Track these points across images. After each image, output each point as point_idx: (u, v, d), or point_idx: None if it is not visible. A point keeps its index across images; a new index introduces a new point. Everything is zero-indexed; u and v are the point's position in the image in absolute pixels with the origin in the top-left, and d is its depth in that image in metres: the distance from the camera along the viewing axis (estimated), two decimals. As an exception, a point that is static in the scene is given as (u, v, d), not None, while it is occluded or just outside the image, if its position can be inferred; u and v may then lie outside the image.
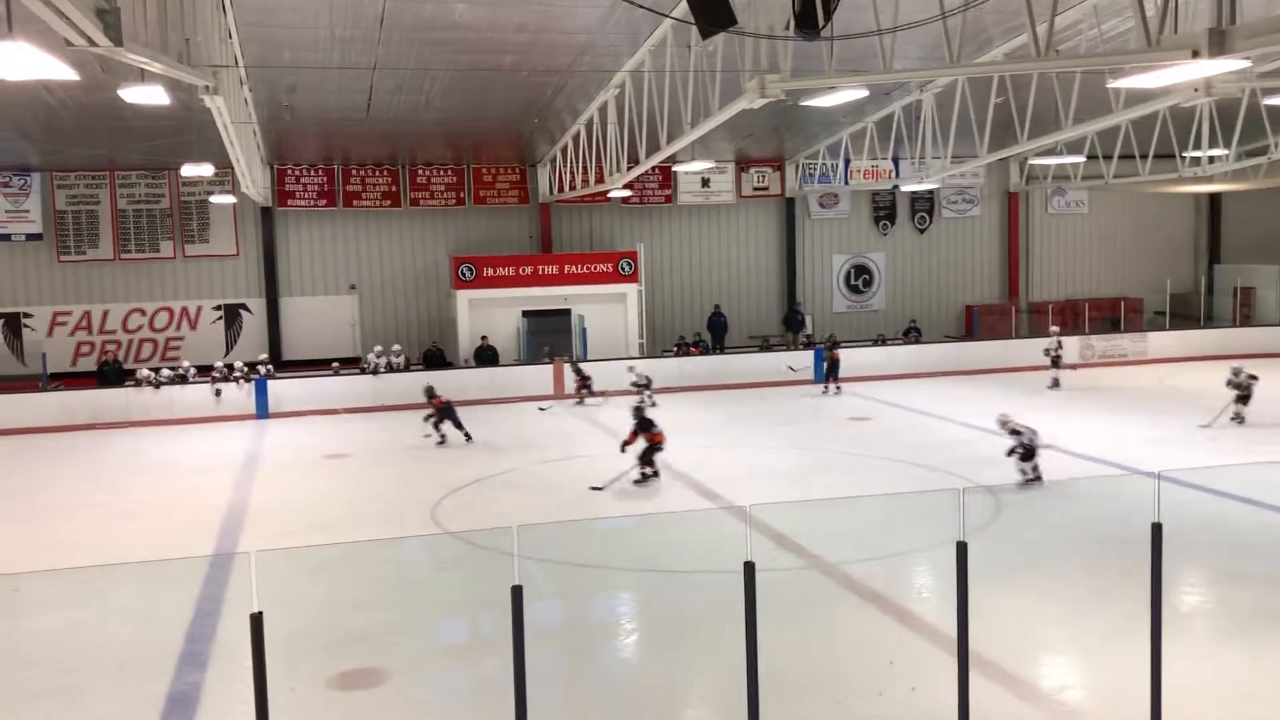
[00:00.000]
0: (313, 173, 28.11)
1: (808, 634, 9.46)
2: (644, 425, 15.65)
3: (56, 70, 7.65)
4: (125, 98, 13.26)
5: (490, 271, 27.68)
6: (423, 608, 10.69)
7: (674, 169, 28.54)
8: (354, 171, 28.39)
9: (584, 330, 27.72)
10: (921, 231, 32.92)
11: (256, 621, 4.72)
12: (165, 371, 24.53)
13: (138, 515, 15.16)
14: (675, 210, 30.83)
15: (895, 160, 29.66)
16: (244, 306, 28.28)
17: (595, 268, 28.21)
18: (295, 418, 23.81)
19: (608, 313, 27.92)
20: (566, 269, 28.09)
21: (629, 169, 21.71)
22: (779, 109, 17.15)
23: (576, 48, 18.33)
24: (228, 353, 27.23)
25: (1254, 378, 18.71)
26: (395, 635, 9.83)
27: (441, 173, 28.96)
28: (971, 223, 33.27)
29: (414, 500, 15.40)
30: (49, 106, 20.51)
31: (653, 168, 23.44)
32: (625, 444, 15.61)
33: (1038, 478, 14.30)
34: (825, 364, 25.38)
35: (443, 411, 19.54)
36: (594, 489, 15.21)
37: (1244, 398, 18.63)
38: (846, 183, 30.35)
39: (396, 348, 26.48)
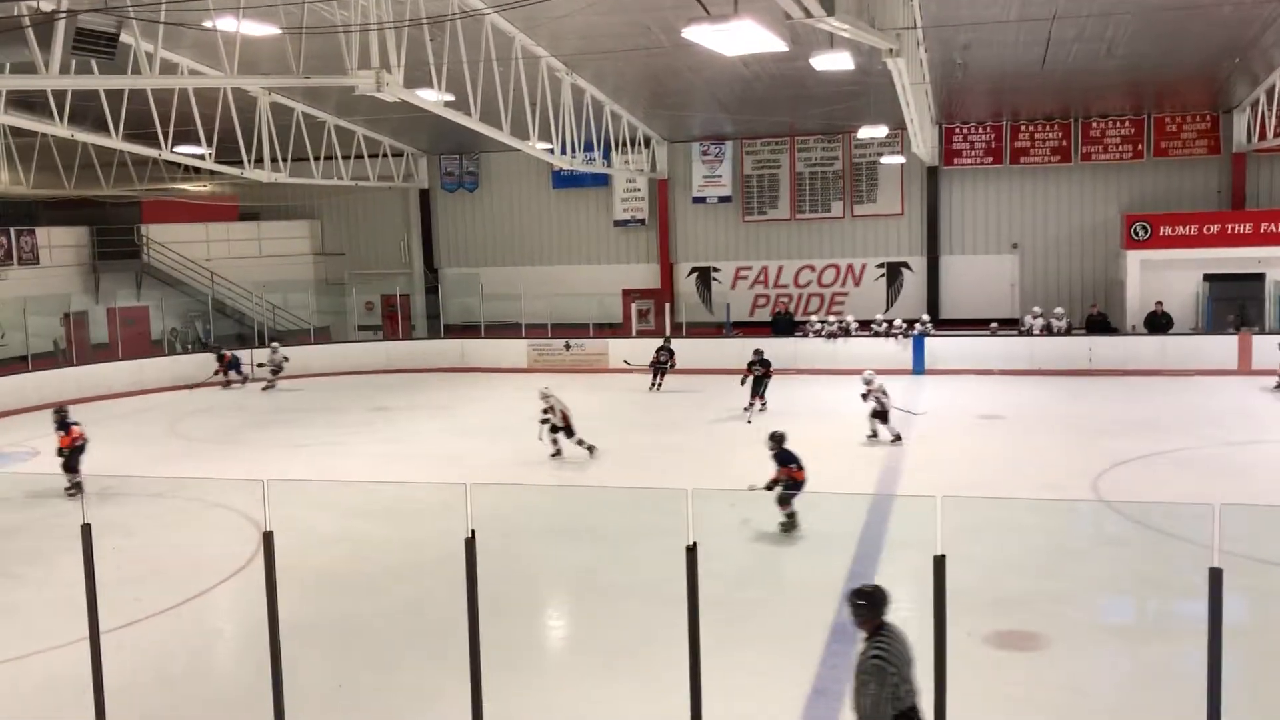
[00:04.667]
0: (980, 130, 27.84)
1: None
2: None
3: (771, 44, 8.40)
4: (815, 65, 14.22)
5: (1168, 230, 25.33)
6: (1084, 580, 10.21)
7: None
8: (1022, 128, 27.57)
9: (1281, 298, 24.29)
10: None
11: (940, 563, 4.85)
12: (830, 324, 26.17)
13: (804, 456, 16.37)
14: None
15: None
16: (905, 265, 29.04)
17: (1301, 227, 24.47)
18: (950, 375, 24.04)
19: (1315, 279, 24.12)
20: (1264, 228, 24.69)
21: (1356, 109, 18.42)
22: None
23: (1297, -29, 15.91)
24: (888, 309, 28.20)
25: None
26: (1055, 604, 9.52)
27: (1118, 124, 26.99)
28: None
29: (1073, 469, 14.72)
30: (744, 79, 22.71)
31: (1389, 106, 19.65)
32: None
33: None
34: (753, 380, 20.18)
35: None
36: None
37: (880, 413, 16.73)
38: None
39: (1059, 310, 25.46)
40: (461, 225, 32.50)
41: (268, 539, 6.00)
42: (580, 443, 16.17)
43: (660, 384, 23.20)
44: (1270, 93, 22.69)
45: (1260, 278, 24.55)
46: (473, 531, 5.52)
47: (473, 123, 17.96)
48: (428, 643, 8.73)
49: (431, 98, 16.49)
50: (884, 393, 17.00)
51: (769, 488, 11.88)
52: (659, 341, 24.62)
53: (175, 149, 21.03)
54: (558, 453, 16.25)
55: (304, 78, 14.28)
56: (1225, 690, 5.08)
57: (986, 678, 7.83)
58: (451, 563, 5.98)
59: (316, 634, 9.06)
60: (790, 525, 11.79)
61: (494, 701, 5.99)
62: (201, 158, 21.81)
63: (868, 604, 5.43)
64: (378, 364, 28.04)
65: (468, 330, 29.81)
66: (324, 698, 7.79)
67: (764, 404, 20.04)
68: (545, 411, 16.24)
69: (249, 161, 22.77)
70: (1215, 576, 5.06)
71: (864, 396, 17.02)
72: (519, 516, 12.67)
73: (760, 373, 20.14)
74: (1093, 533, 12.14)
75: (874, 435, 16.93)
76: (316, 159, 26.05)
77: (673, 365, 23.36)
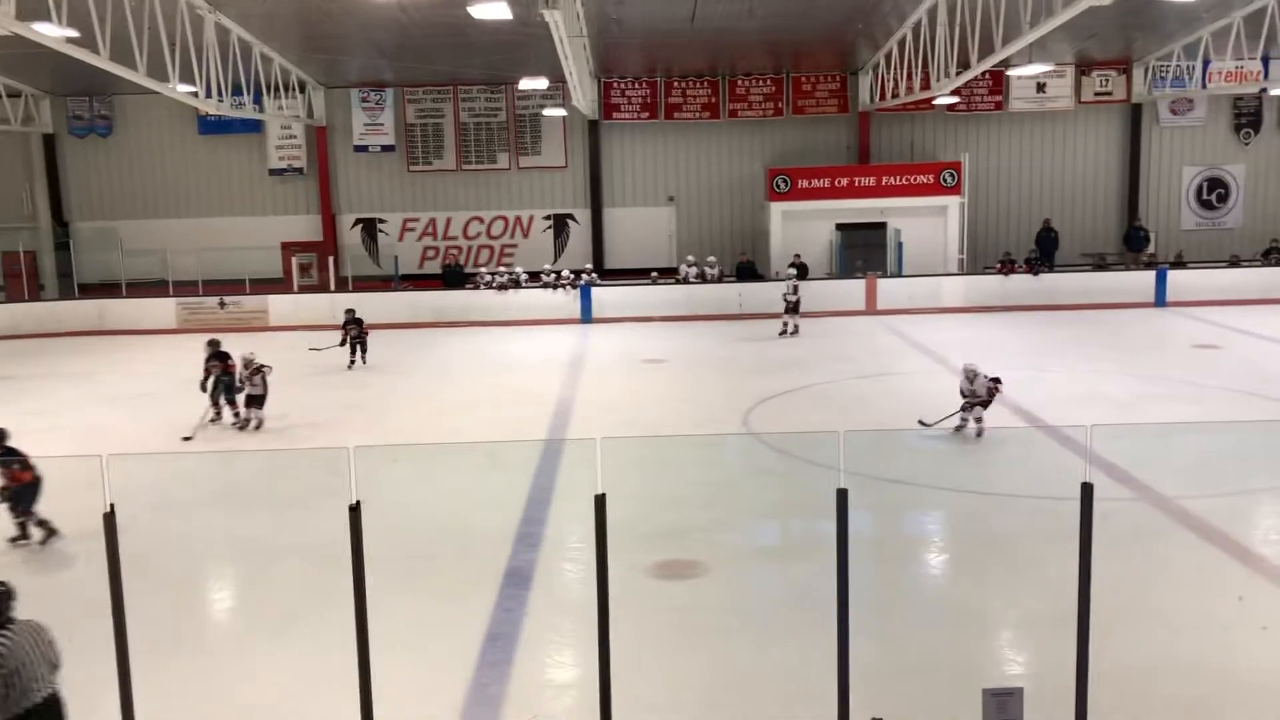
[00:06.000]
0: (637, 86, 28.77)
1: (1138, 567, 8.97)
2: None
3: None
4: (473, 14, 14.13)
5: (805, 183, 27.43)
6: (737, 508, 11.00)
7: (1007, 73, 26.88)
8: (676, 84, 28.79)
9: (900, 245, 27.01)
10: (1292, 140, 29.31)
11: (600, 501, 5.06)
12: (501, 275, 26.33)
13: (477, 407, 16.50)
14: (1005, 118, 29.08)
15: (1265, 60, 26.42)
16: (571, 216, 29.63)
17: (915, 179, 27.27)
18: (615, 323, 24.93)
19: (927, 226, 27.00)
20: (884, 180, 27.33)
21: (958, 74, 20.69)
22: (1131, 6, 15.71)
23: (907, -53, 17.55)
24: (555, 260, 28.72)
25: None
26: (711, 532, 10.22)
27: (760, 83, 28.80)
28: (1357, 130, 29.22)
29: (727, 406, 15.77)
30: (402, 25, 22.13)
31: (983, 73, 22.22)
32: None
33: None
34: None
35: None
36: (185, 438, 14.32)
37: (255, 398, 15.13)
38: (1204, 86, 27.39)
39: (711, 259, 26.96)
40: (95, 174, 29.57)
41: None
42: None
43: (361, 359, 19.82)
44: (889, 57, 25.03)
45: (883, 226, 27.18)
46: (111, 505, 5.14)
47: (102, 62, 16.37)
48: (69, 629, 8.05)
49: (51, 33, 14.84)
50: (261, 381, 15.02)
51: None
52: (324, 301, 23.69)
53: None
54: None
55: (-114, 3, 12.43)
56: (853, 595, 5.67)
57: (649, 605, 8.30)
58: (96, 541, 5.55)
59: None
60: (22, 536, 10.14)
61: (148, 683, 5.65)
62: None
63: None
64: (1, 329, 25.17)
65: (106, 289, 27.29)
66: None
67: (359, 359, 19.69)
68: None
69: None
70: (841, 496, 5.61)
71: (243, 381, 14.98)
72: (173, 488, 11.91)
73: (355, 333, 19.70)
74: (743, 464, 13.08)
75: (240, 419, 15.22)
76: (-90, 97, 22.81)
77: (365, 333, 19.94)
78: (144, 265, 26.97)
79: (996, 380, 13.29)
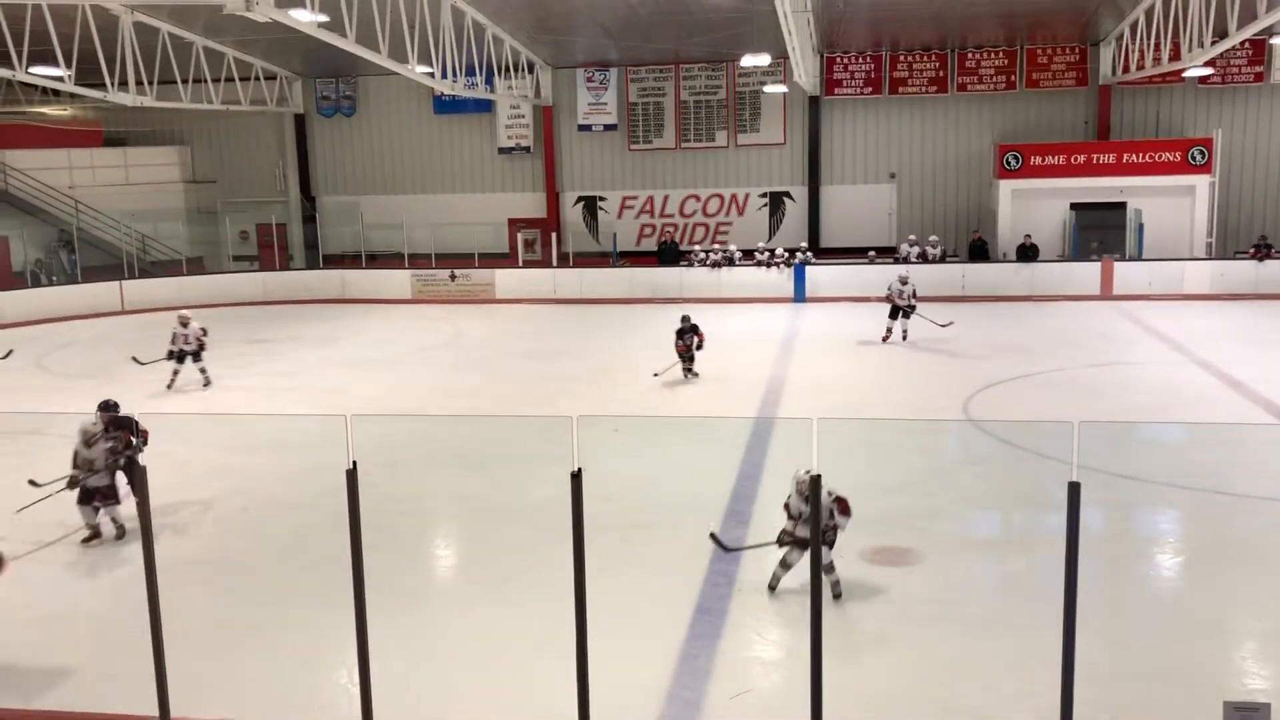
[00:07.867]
0: (860, 60, 28.13)
1: None
2: None
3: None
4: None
5: (1037, 160, 26.14)
6: (954, 496, 10.66)
7: (1270, 41, 24.70)
8: (901, 58, 27.97)
9: (1140, 226, 25.38)
10: None
11: (816, 482, 5.02)
12: (715, 253, 26.40)
13: (690, 383, 16.62)
14: (1266, 90, 26.72)
15: None
16: (787, 194, 29.37)
17: (1159, 156, 25.52)
18: (829, 303, 24.58)
19: (1171, 207, 25.26)
20: (1125, 158, 25.70)
21: (1214, 43, 19.18)
22: None
23: (1161, -94, 16.37)
24: (770, 238, 28.56)
25: None
26: (926, 520, 9.95)
27: (992, 55, 27.60)
28: None
29: (945, 392, 15.28)
30: (628, 4, 22.47)
31: (1242, 42, 20.50)
32: None
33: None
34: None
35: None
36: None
37: None
38: None
39: (934, 238, 26.16)
40: (339, 151, 31.57)
41: (141, 474, 5.86)
42: None
43: (690, 369, 16.61)
44: (1134, 26, 23.47)
45: (1122, 206, 25.60)
46: (354, 463, 5.48)
47: (349, 45, 17.41)
48: (314, 576, 8.68)
49: (305, 18, 15.90)
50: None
51: None
52: (546, 276, 24.20)
53: (31, 70, 19.88)
54: None
55: (167, -5, 13.60)
56: (1080, 594, 5.40)
57: (861, 592, 8.17)
58: (334, 496, 5.94)
59: (197, 571, 8.92)
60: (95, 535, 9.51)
61: (380, 631, 6.01)
62: (60, 79, 20.65)
63: None
64: (255, 295, 27.28)
65: (348, 260, 29.15)
66: (205, 635, 7.70)
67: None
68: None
69: (112, 84, 21.64)
70: (1074, 490, 5.35)
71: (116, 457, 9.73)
72: (404, 448, 12.60)
73: (691, 342, 16.41)
74: (962, 451, 12.66)
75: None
76: (185, 82, 24.91)
77: (700, 345, 16.60)
78: (382, 238, 28.62)
79: (842, 502, 7.79)
